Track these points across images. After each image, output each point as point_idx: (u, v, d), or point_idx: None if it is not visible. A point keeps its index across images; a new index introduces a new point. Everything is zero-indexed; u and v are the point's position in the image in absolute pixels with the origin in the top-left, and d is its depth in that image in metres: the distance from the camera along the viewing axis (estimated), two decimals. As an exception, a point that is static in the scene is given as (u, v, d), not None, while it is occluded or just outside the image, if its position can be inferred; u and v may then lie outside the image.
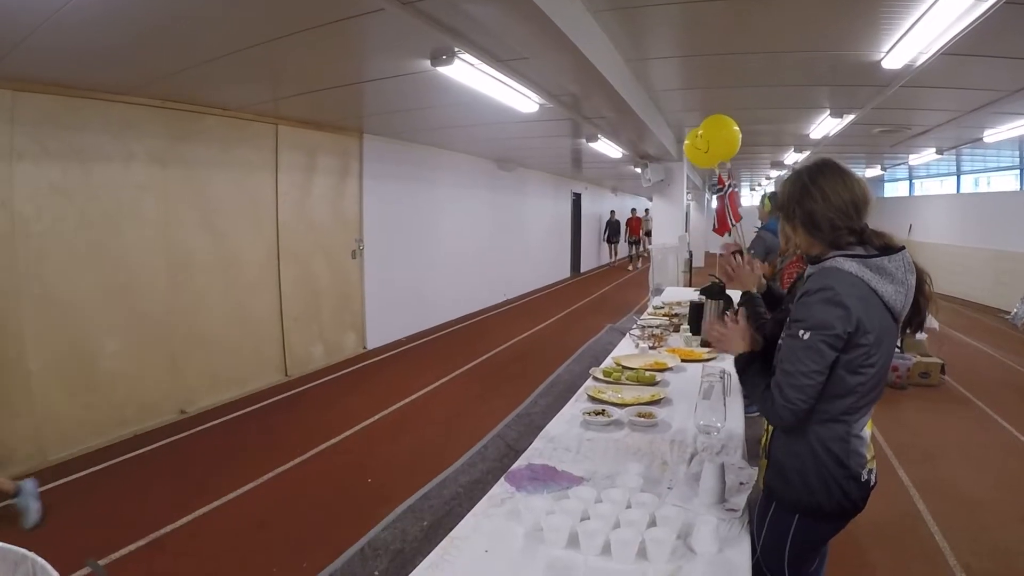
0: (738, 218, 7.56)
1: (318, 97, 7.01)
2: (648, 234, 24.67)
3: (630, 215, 26.75)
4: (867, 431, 2.23)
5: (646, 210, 26.46)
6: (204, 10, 4.14)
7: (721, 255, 3.52)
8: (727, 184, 6.82)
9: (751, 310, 2.86)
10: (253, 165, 8.06)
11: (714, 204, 8.99)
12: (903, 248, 2.18)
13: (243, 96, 6.98)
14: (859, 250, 2.15)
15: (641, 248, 26.60)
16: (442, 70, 5.36)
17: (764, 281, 3.06)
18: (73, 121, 5.94)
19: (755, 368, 2.37)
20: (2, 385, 5.50)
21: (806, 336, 2.07)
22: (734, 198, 6.81)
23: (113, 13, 4.00)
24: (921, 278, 2.20)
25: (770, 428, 2.40)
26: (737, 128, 5.85)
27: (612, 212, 26.54)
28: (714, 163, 6.69)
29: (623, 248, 27.89)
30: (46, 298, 5.80)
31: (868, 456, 2.22)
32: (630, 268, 25.39)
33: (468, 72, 5.52)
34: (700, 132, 5.98)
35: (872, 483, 2.25)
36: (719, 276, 3.41)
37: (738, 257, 3.15)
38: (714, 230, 8.38)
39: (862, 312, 2.04)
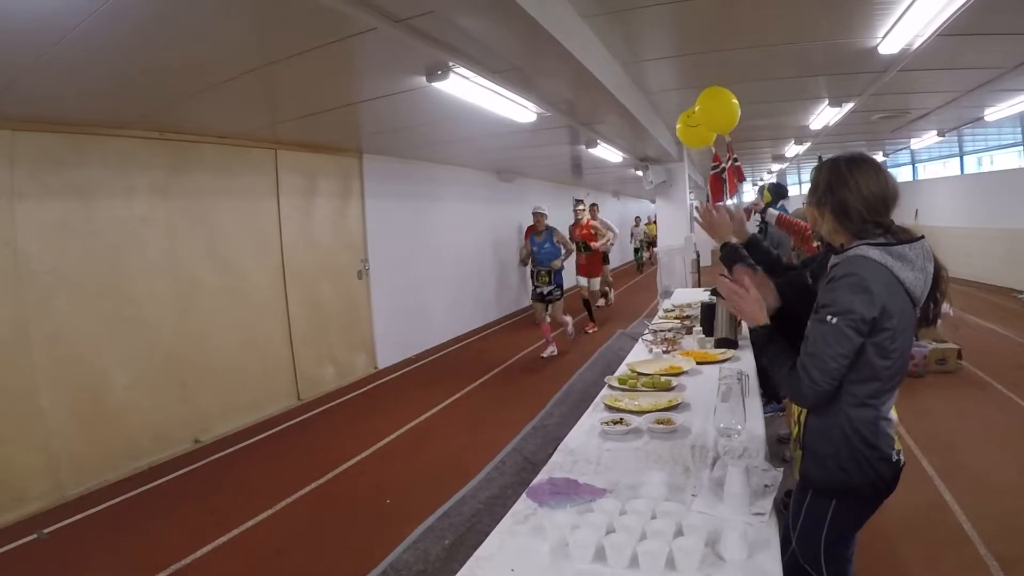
0: (733, 191, 7.26)
1: (315, 120, 7.01)
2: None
3: (578, 215, 14.15)
4: (893, 414, 2.32)
5: (592, 206, 14.73)
6: (195, 40, 4.14)
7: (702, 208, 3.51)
8: (727, 159, 6.69)
9: (734, 258, 3.06)
10: (254, 191, 8.08)
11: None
12: (922, 237, 2.24)
13: (240, 123, 6.98)
14: (882, 240, 2.21)
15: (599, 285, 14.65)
16: (438, 85, 5.33)
17: (748, 232, 3.23)
18: (72, 157, 5.96)
19: (777, 344, 2.41)
20: (16, 422, 5.51)
21: (833, 320, 2.14)
22: (739, 172, 6.63)
23: (103, 49, 3.99)
24: (938, 271, 2.27)
25: (802, 420, 2.49)
26: (736, 101, 5.84)
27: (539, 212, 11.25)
28: (710, 139, 6.62)
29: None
30: (55, 335, 5.81)
31: (895, 437, 2.31)
32: (589, 330, 12.64)
33: (464, 86, 5.49)
34: (696, 108, 5.97)
35: (901, 463, 2.33)
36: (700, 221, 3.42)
37: (715, 208, 3.25)
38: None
39: (886, 297, 2.11)
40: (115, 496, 5.82)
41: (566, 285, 12.34)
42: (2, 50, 3.87)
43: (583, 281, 13.68)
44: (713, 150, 6.74)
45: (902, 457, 2.34)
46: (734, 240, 3.16)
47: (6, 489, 5.38)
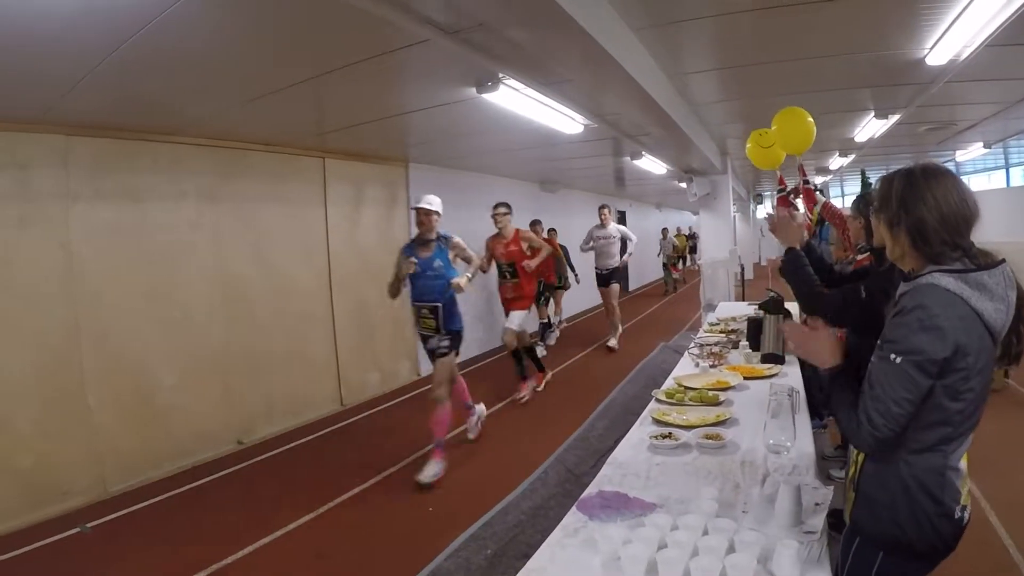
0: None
1: (364, 129, 7.10)
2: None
3: (499, 222, 8.86)
4: (963, 463, 2.01)
5: (602, 208, 12.36)
6: (249, 50, 4.24)
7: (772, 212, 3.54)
8: (800, 181, 6.56)
9: (798, 267, 2.95)
10: (302, 198, 8.21)
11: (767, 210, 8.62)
12: (1003, 261, 1.96)
13: (289, 131, 7.12)
14: (957, 265, 1.91)
15: (558, 321, 13.48)
16: (487, 97, 5.38)
17: (806, 236, 3.15)
18: (125, 163, 6.12)
19: (842, 380, 2.12)
20: (64, 418, 5.65)
21: (898, 360, 1.86)
22: (808, 195, 6.48)
23: (158, 57, 4.11)
24: (1021, 299, 1.97)
25: (859, 460, 2.17)
26: (811, 120, 5.79)
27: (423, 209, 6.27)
28: (781, 160, 6.55)
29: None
30: (104, 334, 5.96)
31: (963, 491, 2.00)
32: (522, 395, 8.73)
33: (513, 97, 5.53)
34: (773, 128, 5.93)
35: (965, 521, 2.04)
36: (768, 226, 3.43)
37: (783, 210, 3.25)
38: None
39: (960, 334, 1.83)
40: (158, 494, 5.91)
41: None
42: (64, 60, 3.98)
43: (514, 320, 8.75)
44: (779, 172, 6.69)
45: (967, 514, 2.04)
46: (798, 247, 3.07)
47: (52, 483, 5.51)
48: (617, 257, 12.15)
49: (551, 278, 12.38)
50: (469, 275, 6.34)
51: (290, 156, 7.92)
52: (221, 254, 7.04)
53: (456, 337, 6.40)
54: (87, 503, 5.67)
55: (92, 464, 5.82)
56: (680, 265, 24.43)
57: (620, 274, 12.46)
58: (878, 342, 1.98)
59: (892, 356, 1.88)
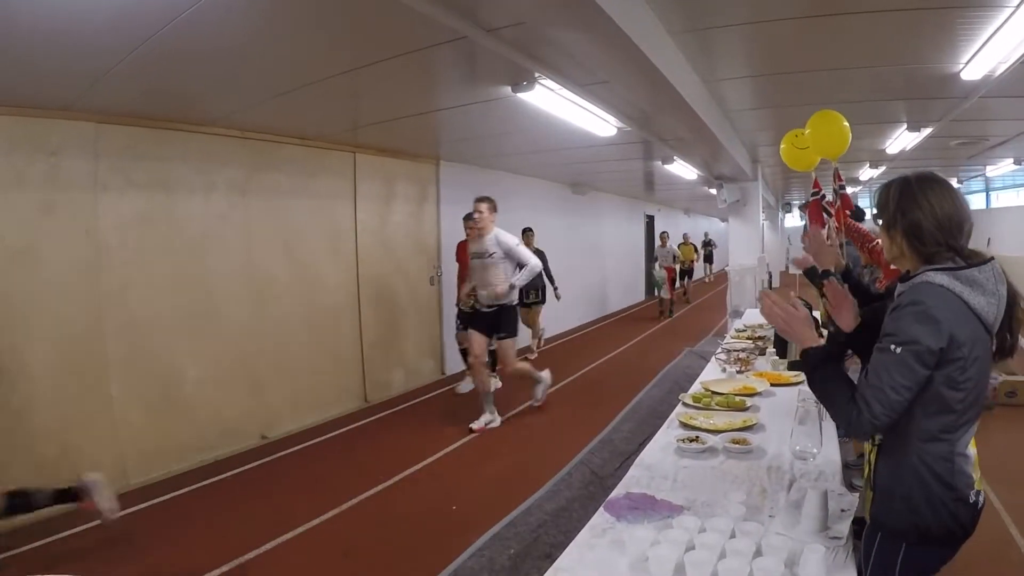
0: (839, 222, 6.09)
1: (397, 125, 7.11)
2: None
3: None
4: (972, 449, 2.15)
5: (480, 202, 7.31)
6: (287, 41, 4.27)
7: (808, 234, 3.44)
8: (835, 187, 6.42)
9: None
10: (332, 193, 8.23)
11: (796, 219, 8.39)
12: (992, 259, 2.09)
13: (322, 125, 7.14)
14: (949, 264, 2.05)
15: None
16: (522, 96, 5.40)
17: (843, 262, 3.09)
18: (155, 152, 6.12)
19: (829, 370, 2.21)
20: (86, 409, 5.66)
21: (897, 350, 1.98)
22: (845, 201, 6.31)
23: (191, 47, 4.13)
24: (1013, 299, 2.10)
25: (872, 459, 2.30)
26: (847, 124, 5.74)
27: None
28: (815, 163, 6.50)
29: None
30: (129, 325, 5.96)
31: (975, 476, 2.14)
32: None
33: (548, 97, 5.56)
34: (807, 131, 5.89)
35: (980, 504, 2.16)
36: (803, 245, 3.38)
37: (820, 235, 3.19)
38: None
39: (954, 326, 1.96)
40: (180, 487, 5.92)
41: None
42: (88, 53, 4.05)
43: None
44: (814, 175, 6.64)
45: (981, 498, 2.16)
46: (832, 269, 3.01)
47: (73, 474, 5.50)
48: (501, 286, 7.22)
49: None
50: None
51: (321, 150, 7.94)
52: (250, 246, 7.05)
53: None
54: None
55: (114, 456, 5.83)
56: (678, 282, 19.18)
57: (511, 316, 7.59)
58: (879, 337, 2.10)
59: (892, 347, 2.00)
